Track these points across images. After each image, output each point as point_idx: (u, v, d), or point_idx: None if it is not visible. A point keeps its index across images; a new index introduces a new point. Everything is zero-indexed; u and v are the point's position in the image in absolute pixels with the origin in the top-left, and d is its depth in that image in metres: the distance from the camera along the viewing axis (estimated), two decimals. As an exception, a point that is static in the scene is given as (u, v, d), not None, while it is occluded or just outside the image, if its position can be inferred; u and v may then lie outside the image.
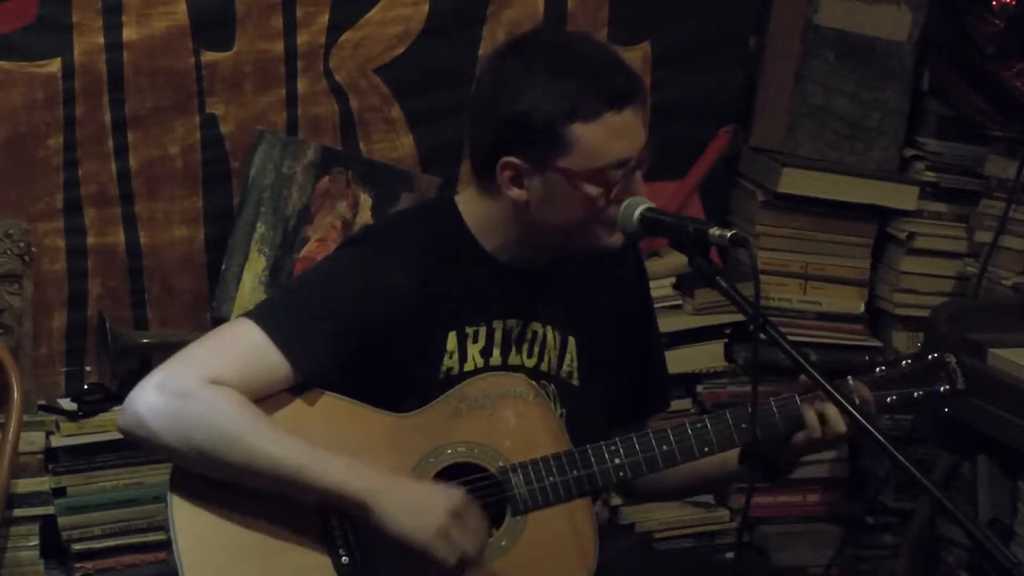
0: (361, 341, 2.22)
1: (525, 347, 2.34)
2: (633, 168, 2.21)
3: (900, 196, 3.60)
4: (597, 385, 2.41)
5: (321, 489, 2.14)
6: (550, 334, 2.36)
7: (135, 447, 2.81)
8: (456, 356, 2.29)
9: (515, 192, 2.23)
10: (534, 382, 2.31)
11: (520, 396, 2.29)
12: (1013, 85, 3.41)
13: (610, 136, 2.18)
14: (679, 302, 3.49)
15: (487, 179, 2.26)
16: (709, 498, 3.54)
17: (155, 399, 2.14)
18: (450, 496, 2.15)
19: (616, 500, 3.44)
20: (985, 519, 3.20)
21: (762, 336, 2.13)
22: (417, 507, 2.13)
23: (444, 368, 2.29)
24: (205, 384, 2.13)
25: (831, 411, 2.28)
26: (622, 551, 2.51)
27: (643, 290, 2.52)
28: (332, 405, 2.22)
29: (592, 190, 2.20)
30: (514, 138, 2.19)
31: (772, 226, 3.60)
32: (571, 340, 2.38)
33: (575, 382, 2.39)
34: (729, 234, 2.13)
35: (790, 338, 2.15)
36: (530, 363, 2.34)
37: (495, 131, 2.21)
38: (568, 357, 2.38)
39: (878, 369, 2.38)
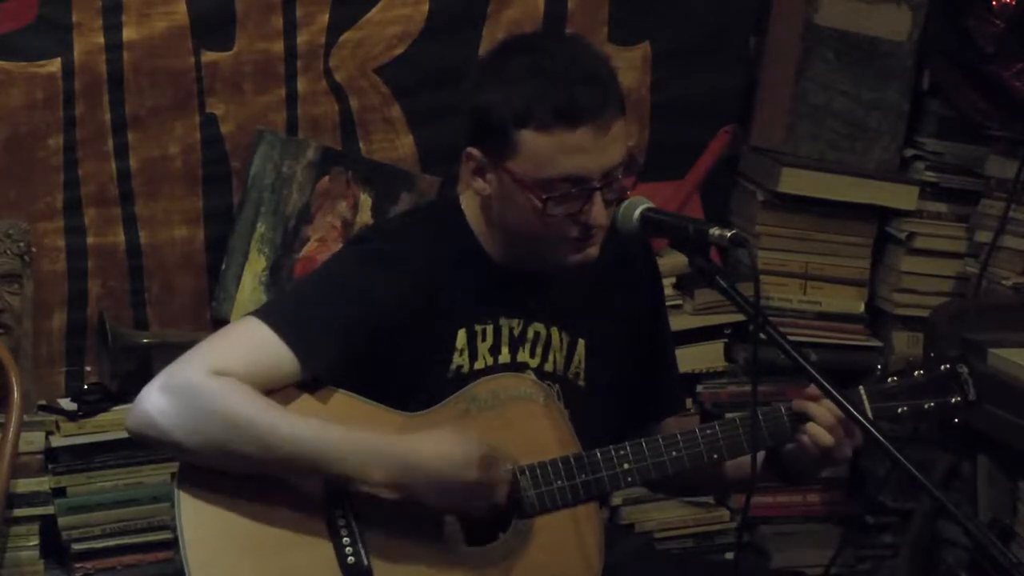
0: (370, 339, 2.22)
1: (528, 347, 2.34)
2: (593, 189, 2.17)
3: (900, 196, 3.60)
4: (605, 387, 2.40)
5: (340, 474, 2.14)
6: (555, 335, 2.35)
7: (140, 447, 2.83)
8: (466, 354, 2.29)
9: (478, 184, 2.24)
10: (544, 384, 2.30)
11: (530, 398, 2.28)
12: (1013, 85, 3.41)
13: (558, 151, 2.14)
14: (679, 302, 3.49)
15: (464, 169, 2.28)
16: (709, 498, 3.53)
17: (161, 397, 2.13)
18: (466, 460, 2.15)
19: (616, 500, 3.44)
20: (985, 519, 3.20)
21: (762, 336, 2.13)
22: (440, 488, 2.14)
23: (454, 366, 2.28)
24: (210, 375, 2.12)
25: (812, 428, 2.27)
26: (626, 554, 2.51)
27: (656, 292, 2.50)
28: (342, 402, 2.21)
29: (534, 200, 2.17)
30: (475, 130, 2.21)
31: (772, 226, 3.60)
32: (581, 342, 2.37)
33: (581, 383, 2.38)
34: (729, 234, 2.13)
35: (790, 338, 2.16)
36: (534, 363, 2.34)
37: (465, 121, 2.24)
38: (576, 359, 2.37)
39: (890, 379, 2.34)
